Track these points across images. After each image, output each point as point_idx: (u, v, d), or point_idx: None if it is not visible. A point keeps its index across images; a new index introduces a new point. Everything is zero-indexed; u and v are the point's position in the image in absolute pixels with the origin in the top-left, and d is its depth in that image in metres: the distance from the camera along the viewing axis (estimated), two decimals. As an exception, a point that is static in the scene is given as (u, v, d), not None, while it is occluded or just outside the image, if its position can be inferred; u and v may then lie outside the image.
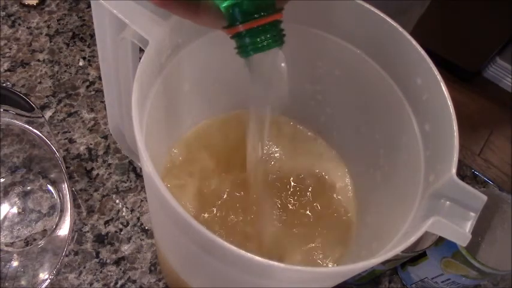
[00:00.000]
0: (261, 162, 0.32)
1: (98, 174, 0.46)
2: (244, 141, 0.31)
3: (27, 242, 0.42)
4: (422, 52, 0.27)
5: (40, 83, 0.51)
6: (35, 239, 0.42)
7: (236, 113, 0.39)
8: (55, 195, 0.44)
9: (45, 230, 0.42)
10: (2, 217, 0.42)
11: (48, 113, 0.49)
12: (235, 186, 0.36)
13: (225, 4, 0.24)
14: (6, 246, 0.41)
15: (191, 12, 0.24)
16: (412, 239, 0.22)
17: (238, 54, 0.25)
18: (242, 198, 0.35)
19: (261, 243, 0.34)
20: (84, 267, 0.42)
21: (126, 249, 0.43)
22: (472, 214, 0.24)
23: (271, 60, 0.26)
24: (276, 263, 0.20)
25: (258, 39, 0.24)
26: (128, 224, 0.44)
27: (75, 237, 0.43)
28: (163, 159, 0.36)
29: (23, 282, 0.39)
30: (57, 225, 0.42)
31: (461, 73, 1.38)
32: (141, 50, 0.26)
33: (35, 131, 0.43)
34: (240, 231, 0.34)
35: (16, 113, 0.43)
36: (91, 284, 0.41)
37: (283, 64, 0.26)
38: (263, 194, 0.35)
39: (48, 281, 0.40)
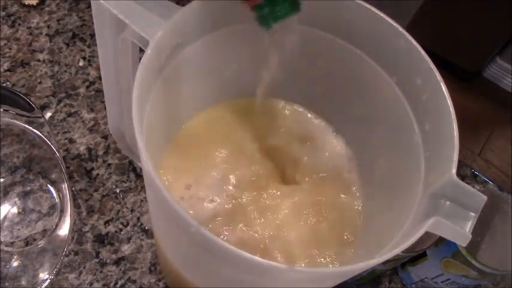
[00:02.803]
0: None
1: (97, 174, 0.46)
2: (245, 138, 0.31)
3: (27, 242, 0.42)
4: (423, 52, 0.27)
5: (40, 83, 0.51)
6: (35, 239, 0.42)
7: (236, 107, 0.39)
8: (55, 195, 0.44)
9: (45, 230, 0.42)
10: (2, 217, 0.42)
11: (48, 113, 0.49)
12: (237, 183, 0.36)
13: None
14: (6, 246, 0.41)
15: None
16: (412, 239, 0.22)
17: (260, 25, 0.26)
18: (243, 194, 0.35)
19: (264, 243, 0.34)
20: (84, 267, 0.42)
21: (126, 249, 0.43)
22: (472, 214, 0.24)
23: (288, 25, 0.27)
24: (276, 263, 0.20)
25: (277, 8, 0.25)
26: (128, 224, 0.44)
27: (75, 237, 0.43)
28: (163, 158, 0.36)
29: (23, 282, 0.39)
30: (57, 225, 0.42)
31: (461, 73, 1.38)
32: (141, 50, 0.26)
33: (35, 131, 0.43)
34: (245, 228, 0.34)
35: (16, 113, 0.43)
36: (91, 284, 0.41)
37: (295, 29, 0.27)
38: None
39: (48, 281, 0.40)
